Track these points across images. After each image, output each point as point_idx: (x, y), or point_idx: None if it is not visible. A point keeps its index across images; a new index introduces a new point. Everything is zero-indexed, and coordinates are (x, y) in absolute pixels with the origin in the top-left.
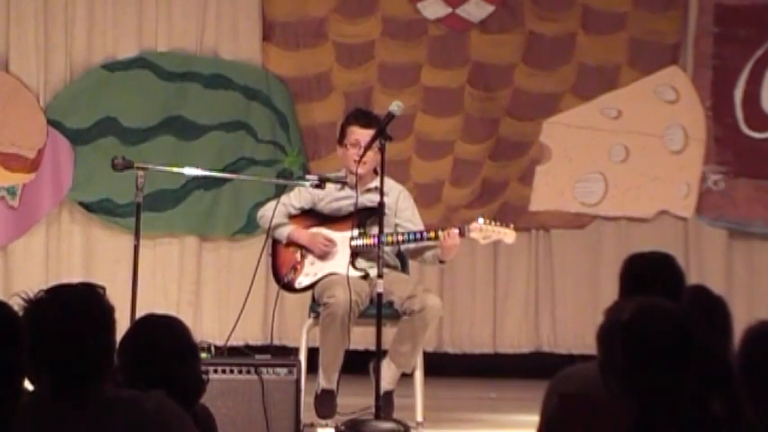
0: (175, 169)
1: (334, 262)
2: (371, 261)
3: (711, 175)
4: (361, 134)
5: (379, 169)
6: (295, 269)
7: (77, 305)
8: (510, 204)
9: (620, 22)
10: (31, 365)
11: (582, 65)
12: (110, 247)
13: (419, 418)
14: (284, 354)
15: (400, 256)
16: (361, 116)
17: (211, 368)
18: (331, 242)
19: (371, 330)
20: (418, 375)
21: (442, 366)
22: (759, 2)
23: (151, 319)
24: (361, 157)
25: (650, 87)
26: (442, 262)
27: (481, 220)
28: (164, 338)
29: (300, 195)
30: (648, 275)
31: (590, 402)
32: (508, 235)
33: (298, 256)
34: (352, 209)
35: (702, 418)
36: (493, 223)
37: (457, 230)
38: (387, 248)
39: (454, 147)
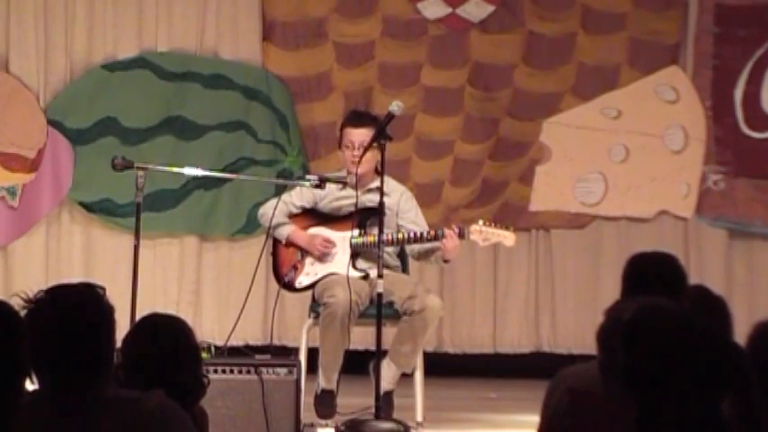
0: (175, 169)
1: (335, 262)
2: (372, 262)
3: (711, 175)
4: (353, 134)
5: (379, 169)
6: (295, 268)
7: (77, 305)
8: (510, 204)
9: (620, 22)
10: (31, 365)
11: (582, 65)
12: (110, 247)
13: (419, 418)
14: (284, 354)
15: (401, 256)
16: (352, 116)
17: (211, 368)
18: (330, 243)
19: (371, 330)
20: (418, 375)
21: (442, 366)
22: (759, 2)
23: (154, 320)
24: (361, 156)
25: (650, 87)
26: (445, 261)
27: (481, 222)
28: (165, 339)
29: (302, 194)
30: (651, 275)
31: (597, 398)
32: (508, 238)
33: (298, 255)
34: (352, 209)
35: (706, 418)
36: (493, 225)
37: (457, 231)
38: (388, 249)
39: (454, 147)
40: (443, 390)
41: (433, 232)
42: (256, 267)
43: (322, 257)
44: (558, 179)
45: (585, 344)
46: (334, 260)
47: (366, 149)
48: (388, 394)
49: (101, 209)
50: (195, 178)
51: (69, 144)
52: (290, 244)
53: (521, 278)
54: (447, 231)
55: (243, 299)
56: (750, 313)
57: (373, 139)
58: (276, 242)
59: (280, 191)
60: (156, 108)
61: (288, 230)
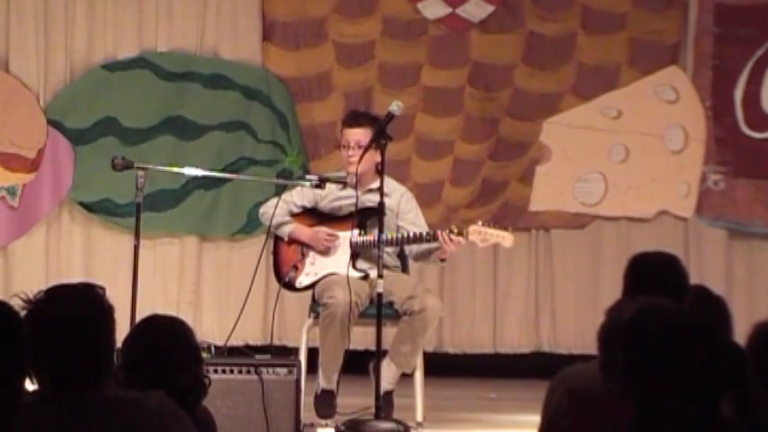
0: (175, 169)
1: (335, 262)
2: (372, 262)
3: (711, 175)
4: (349, 134)
5: (379, 169)
6: (296, 268)
7: (77, 305)
8: (510, 204)
9: (620, 22)
10: (31, 365)
11: (582, 65)
12: (110, 247)
13: (419, 418)
14: (284, 354)
15: (401, 256)
16: (349, 116)
17: (211, 368)
18: (333, 236)
19: (371, 330)
20: (418, 375)
21: (442, 366)
22: (759, 2)
23: (154, 320)
24: (361, 156)
25: (650, 87)
26: (442, 260)
27: (480, 223)
28: (165, 340)
29: (303, 194)
30: (653, 276)
31: (597, 398)
32: (506, 239)
33: (299, 254)
34: (353, 209)
35: (707, 418)
36: (491, 226)
37: (456, 232)
38: (388, 249)
39: (454, 147)
40: (443, 390)
41: (432, 233)
42: (256, 267)
43: (326, 251)
44: (557, 179)
45: (585, 344)
46: (335, 260)
47: (366, 149)
48: (388, 394)
49: (101, 209)
50: (195, 178)
51: (69, 144)
52: (293, 241)
53: (521, 278)
54: (457, 239)
55: (243, 299)
56: (750, 313)
57: (373, 140)
58: (277, 241)
59: (280, 191)
60: (156, 108)
61: (290, 228)
